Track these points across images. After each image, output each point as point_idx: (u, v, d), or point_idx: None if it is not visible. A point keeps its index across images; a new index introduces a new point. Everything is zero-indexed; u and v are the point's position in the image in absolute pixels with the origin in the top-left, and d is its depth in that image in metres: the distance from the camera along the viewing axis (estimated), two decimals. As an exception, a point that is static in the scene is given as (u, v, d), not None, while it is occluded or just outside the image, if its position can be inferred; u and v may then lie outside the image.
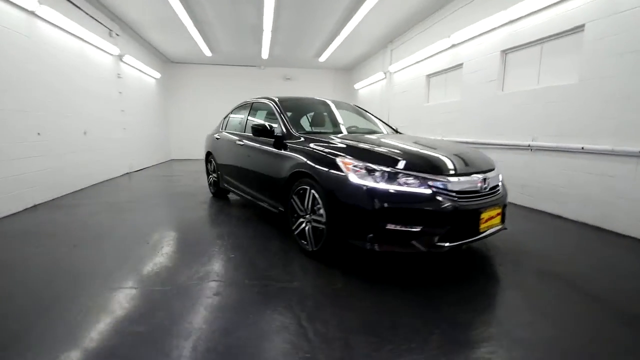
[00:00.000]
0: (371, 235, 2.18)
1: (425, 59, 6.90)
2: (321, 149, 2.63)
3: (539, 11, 4.25)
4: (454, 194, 2.22)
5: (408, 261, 2.61)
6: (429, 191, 2.17)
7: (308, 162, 2.62)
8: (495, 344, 1.62)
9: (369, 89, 10.33)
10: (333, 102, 4.07)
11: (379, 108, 8.91)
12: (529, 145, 4.39)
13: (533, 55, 4.48)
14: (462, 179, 2.30)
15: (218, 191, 4.95)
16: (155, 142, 9.95)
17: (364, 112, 4.29)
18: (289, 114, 3.46)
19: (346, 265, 2.52)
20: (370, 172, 2.23)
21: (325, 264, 2.54)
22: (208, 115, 10.97)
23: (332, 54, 9.54)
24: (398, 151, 2.45)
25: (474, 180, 2.35)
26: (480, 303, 2.06)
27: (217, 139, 4.84)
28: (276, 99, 3.68)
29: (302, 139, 2.97)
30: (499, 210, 2.47)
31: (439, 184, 2.21)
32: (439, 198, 2.16)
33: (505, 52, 4.91)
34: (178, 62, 11.16)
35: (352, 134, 3.42)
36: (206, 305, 1.94)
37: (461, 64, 5.84)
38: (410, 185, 2.18)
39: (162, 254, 2.76)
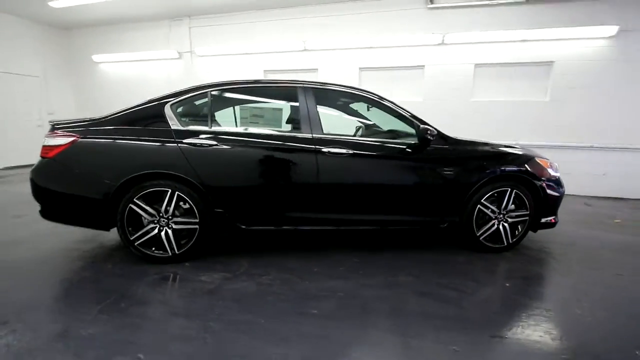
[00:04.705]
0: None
1: (264, 53, 6.74)
2: (509, 150, 2.99)
3: (391, 47, 6.10)
4: None
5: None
6: (558, 174, 3.39)
7: (512, 166, 2.86)
8: None
9: (135, 66, 7.68)
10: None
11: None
12: (393, 140, 6.31)
13: (386, 76, 6.34)
14: None
15: (194, 247, 2.57)
16: None
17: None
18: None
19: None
20: (552, 165, 3.07)
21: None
22: None
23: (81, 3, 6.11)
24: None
25: None
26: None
27: (200, 145, 2.50)
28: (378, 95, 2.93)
29: (453, 142, 3.08)
30: None
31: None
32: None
33: (362, 69, 6.39)
34: None
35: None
36: None
37: (316, 69, 6.56)
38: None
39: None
